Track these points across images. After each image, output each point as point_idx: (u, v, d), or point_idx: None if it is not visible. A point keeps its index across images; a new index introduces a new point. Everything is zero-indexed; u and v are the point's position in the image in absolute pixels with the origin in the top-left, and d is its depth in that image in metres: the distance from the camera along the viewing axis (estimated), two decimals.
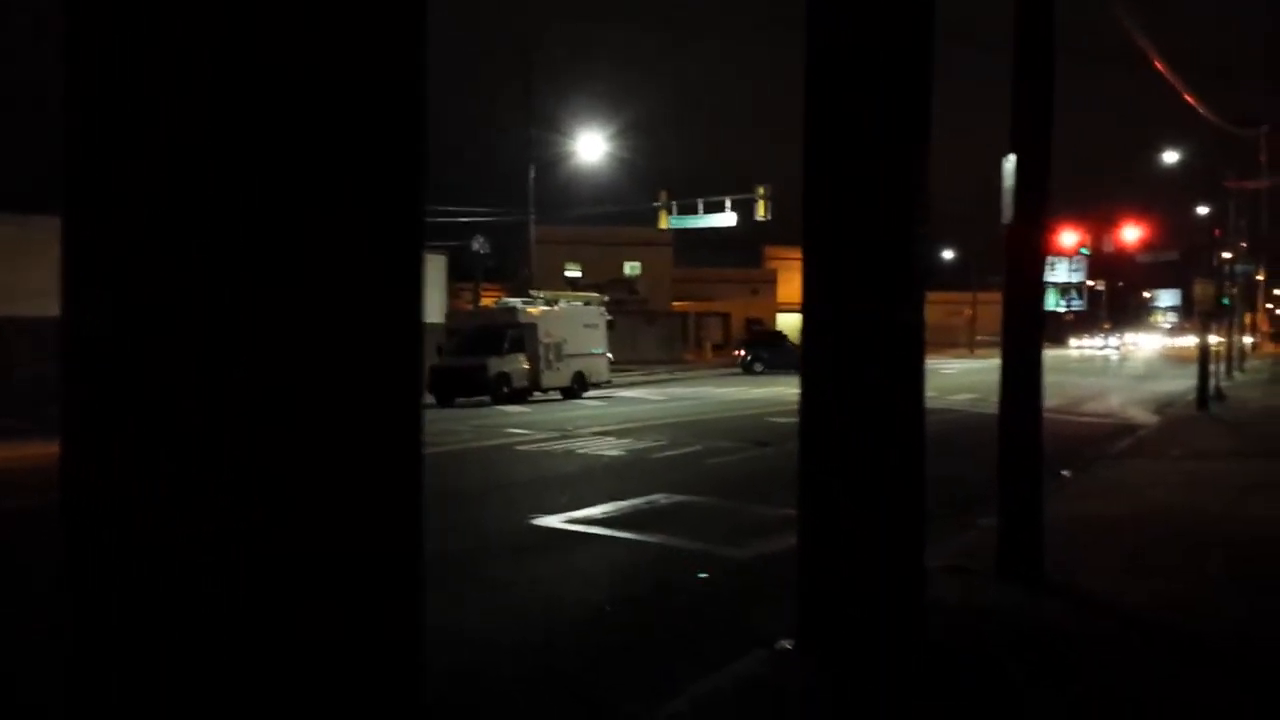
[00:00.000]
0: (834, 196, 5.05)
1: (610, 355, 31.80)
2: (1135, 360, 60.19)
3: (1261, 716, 4.56)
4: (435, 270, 40.44)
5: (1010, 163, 6.76)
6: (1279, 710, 4.61)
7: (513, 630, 6.34)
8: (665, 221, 36.77)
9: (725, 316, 63.95)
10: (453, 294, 42.61)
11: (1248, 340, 49.77)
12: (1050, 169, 6.79)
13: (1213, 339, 24.52)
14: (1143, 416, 21.72)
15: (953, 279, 76.96)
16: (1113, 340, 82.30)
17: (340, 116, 1.59)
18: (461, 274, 41.62)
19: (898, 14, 4.88)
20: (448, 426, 19.92)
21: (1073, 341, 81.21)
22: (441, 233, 38.39)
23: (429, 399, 26.26)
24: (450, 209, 36.81)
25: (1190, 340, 62.75)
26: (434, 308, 36.86)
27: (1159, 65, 12.69)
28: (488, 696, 5.38)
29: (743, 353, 43.37)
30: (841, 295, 5.03)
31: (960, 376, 36.22)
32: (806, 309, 5.21)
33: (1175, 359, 53.61)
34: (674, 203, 36.33)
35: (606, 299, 33.98)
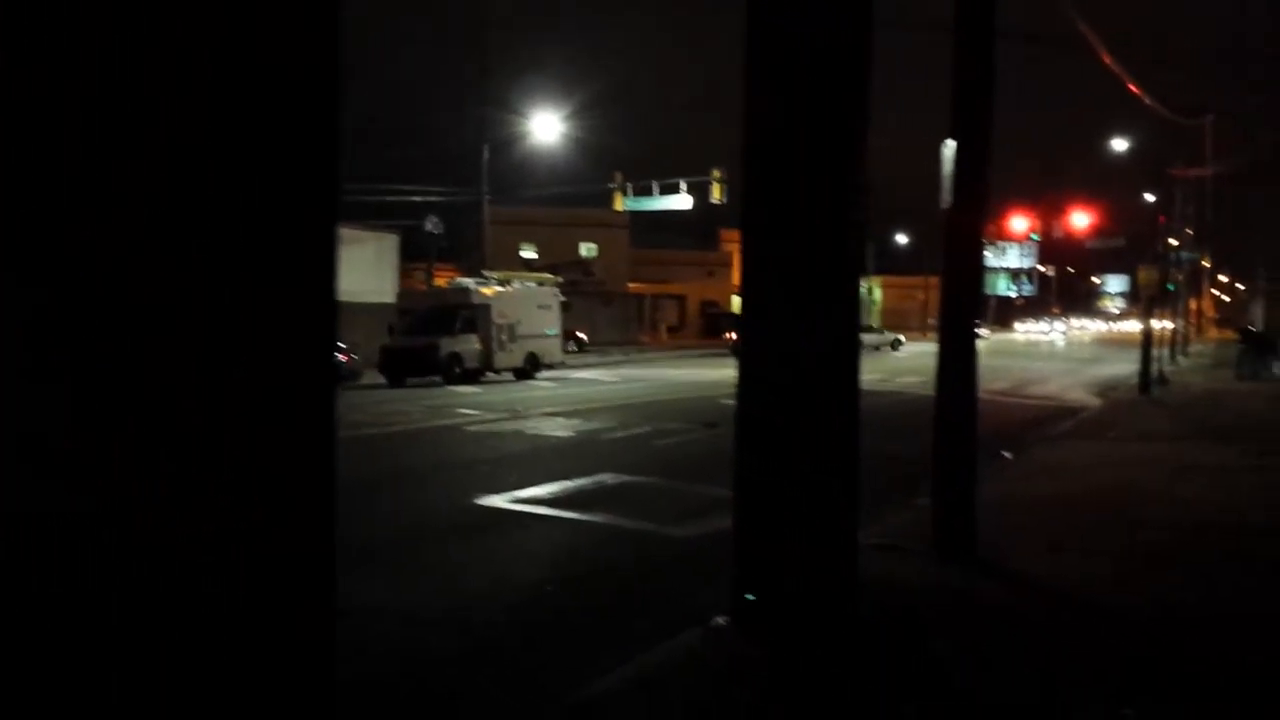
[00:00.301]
0: (771, 182, 5.09)
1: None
2: (1078, 345, 60.36)
3: (1171, 682, 4.70)
4: (387, 250, 40.14)
5: (949, 149, 6.83)
6: (1185, 676, 4.76)
7: (453, 609, 6.34)
8: (620, 204, 36.72)
9: (681, 299, 64.11)
10: (405, 274, 42.33)
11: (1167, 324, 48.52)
12: (990, 155, 6.87)
13: (1156, 324, 25.21)
14: (1085, 399, 22.14)
15: (906, 263, 77.66)
16: (1058, 325, 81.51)
17: (239, 99, 1.57)
18: (414, 254, 41.32)
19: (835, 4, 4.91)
20: (398, 407, 19.82)
21: (1019, 326, 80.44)
22: (394, 212, 38.08)
23: (379, 379, 26.09)
24: (403, 188, 36.49)
25: (1136, 325, 63.31)
26: (386, 288, 36.60)
27: (1105, 58, 12.87)
28: (425, 674, 5.38)
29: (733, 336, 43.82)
30: (778, 277, 5.07)
31: (911, 359, 36.62)
32: (744, 291, 5.25)
33: (1119, 344, 54.20)
34: (629, 184, 36.27)
35: (561, 280, 33.90)
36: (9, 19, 1.43)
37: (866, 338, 43.07)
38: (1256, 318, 40.60)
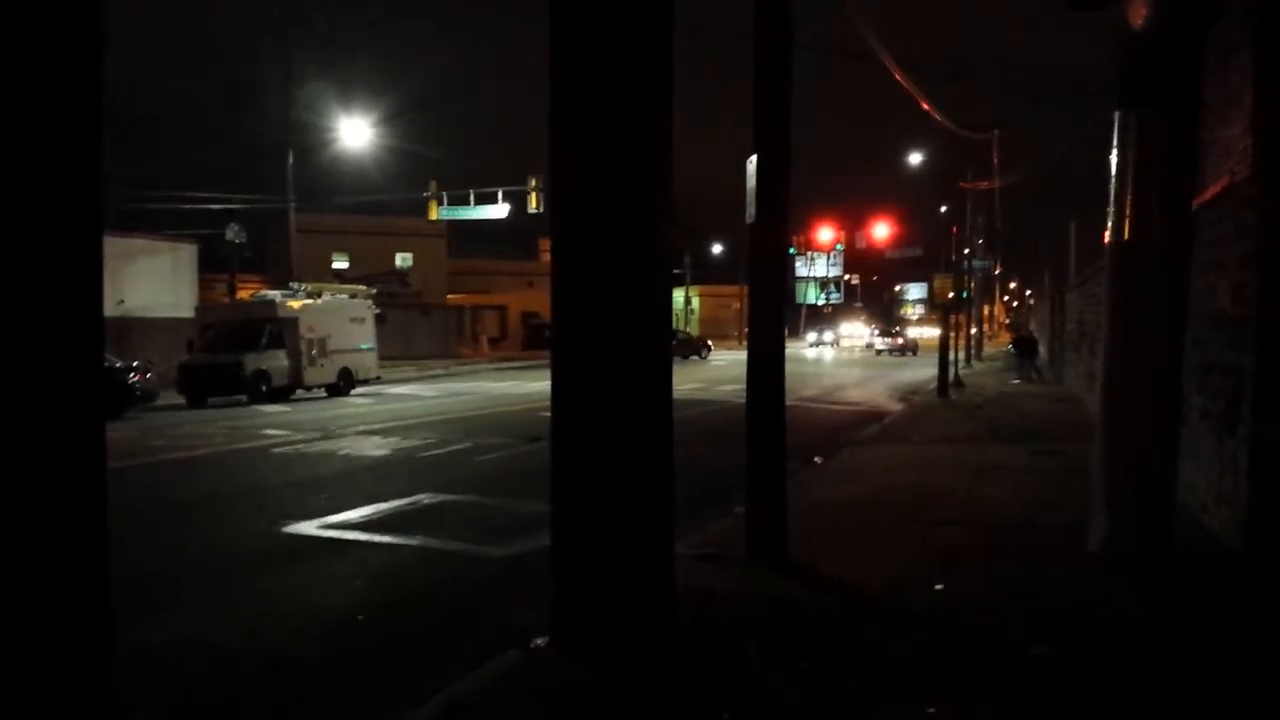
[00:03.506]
0: (577, 188, 5.04)
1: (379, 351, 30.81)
2: (845, 358, 52.37)
3: (956, 670, 4.92)
4: (185, 261, 38.09)
5: (753, 163, 6.98)
6: (971, 665, 5.00)
7: (259, 644, 6.00)
8: (435, 212, 36.08)
9: (502, 309, 63.58)
10: (205, 286, 40.28)
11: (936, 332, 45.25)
12: (790, 169, 7.06)
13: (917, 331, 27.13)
14: (889, 404, 23.23)
15: (722, 273, 79.84)
16: (826, 335, 69.29)
17: None
18: (215, 265, 39.38)
19: (635, 12, 4.91)
20: (199, 429, 18.75)
21: (810, 336, 68.88)
22: (192, 221, 36.15)
23: (178, 399, 24.64)
24: (202, 195, 34.65)
25: (920, 332, 65.33)
26: (184, 301, 34.68)
27: (898, 75, 13.53)
28: (226, 716, 5.05)
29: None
30: (586, 288, 5.02)
31: (728, 368, 37.59)
32: (554, 303, 5.17)
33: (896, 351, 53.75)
34: (444, 193, 35.69)
35: (375, 291, 32.95)
36: None
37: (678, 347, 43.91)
38: (1043, 322, 43.86)
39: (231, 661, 5.74)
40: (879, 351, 55.09)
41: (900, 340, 54.73)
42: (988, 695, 4.65)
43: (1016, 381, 28.48)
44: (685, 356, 46.29)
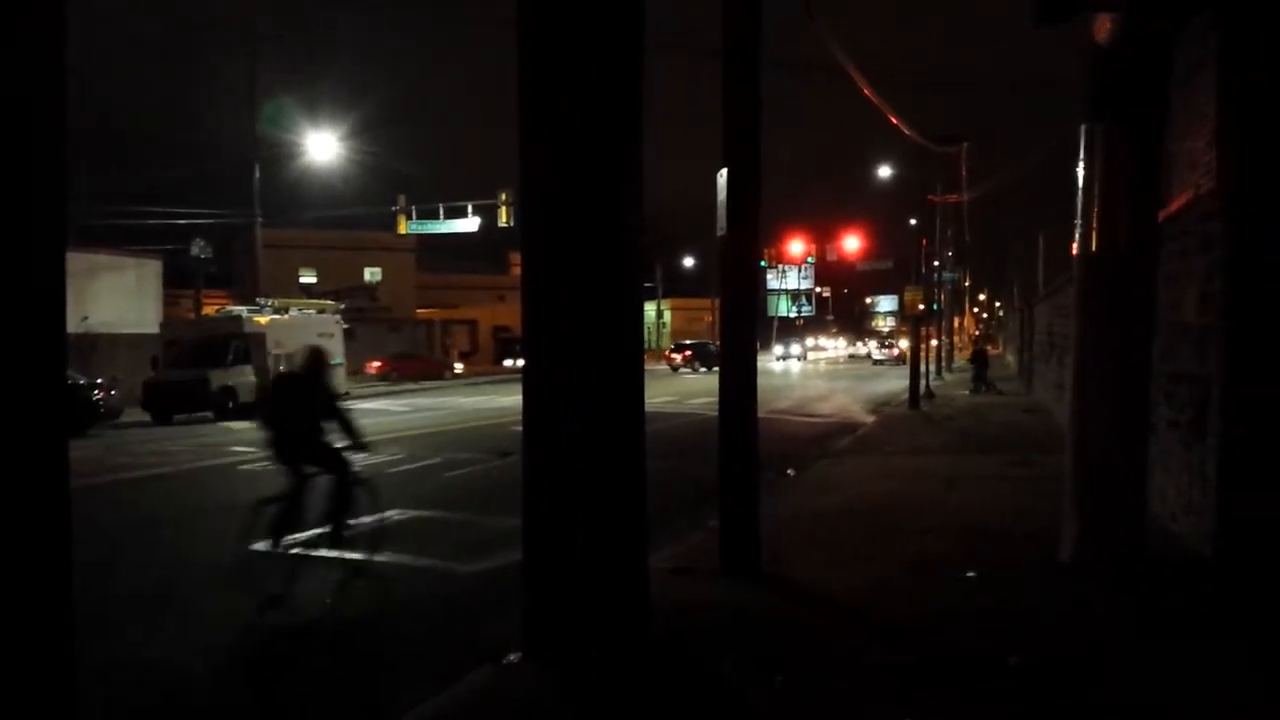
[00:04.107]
0: (547, 204, 5.01)
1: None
2: (813, 370, 53.74)
3: (931, 681, 4.92)
4: (149, 277, 37.65)
5: (723, 177, 6.98)
6: (946, 675, 5.00)
7: (224, 663, 5.90)
8: (404, 227, 35.89)
9: (473, 323, 63.35)
10: (170, 302, 39.85)
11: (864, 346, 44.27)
12: (761, 181, 7.06)
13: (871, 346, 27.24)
14: (862, 416, 23.32)
15: (693, 286, 79.96)
16: (794, 348, 68.00)
17: None
18: (181, 281, 38.95)
19: (605, 24, 4.89)
20: (164, 447, 18.49)
21: (777, 349, 67.06)
22: (157, 236, 35.77)
23: (144, 416, 24.32)
24: (167, 210, 34.29)
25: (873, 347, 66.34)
26: (148, 317, 34.27)
27: (866, 90, 13.62)
28: None
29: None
30: (558, 306, 4.99)
31: (700, 381, 37.64)
32: (525, 320, 5.13)
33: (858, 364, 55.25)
34: (413, 207, 35.53)
35: (343, 306, 32.72)
36: None
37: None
38: (1013, 333, 44.26)
39: (197, 680, 5.63)
40: (876, 362, 60.99)
41: (895, 351, 60.28)
42: (962, 705, 4.63)
43: (966, 393, 28.70)
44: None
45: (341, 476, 7.94)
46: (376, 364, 43.68)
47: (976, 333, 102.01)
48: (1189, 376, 7.28)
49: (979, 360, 31.37)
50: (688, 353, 53.80)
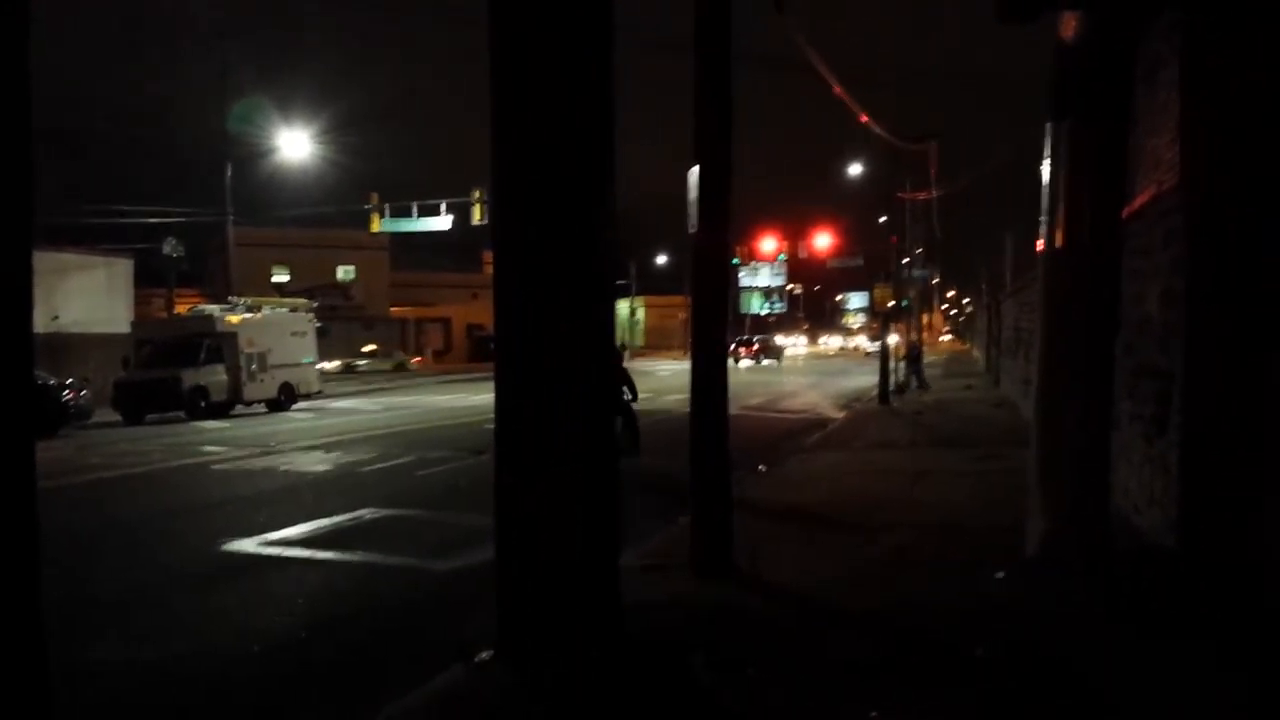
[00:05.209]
0: (519, 200, 5.01)
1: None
2: (786, 366, 54.03)
3: (900, 674, 4.99)
4: (120, 276, 37.28)
5: (694, 174, 7.01)
6: (915, 668, 5.08)
7: (195, 665, 5.87)
8: (376, 225, 35.72)
9: (446, 321, 63.14)
10: (142, 302, 39.48)
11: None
12: (732, 179, 7.10)
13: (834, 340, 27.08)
14: (832, 412, 23.45)
15: (667, 284, 79.95)
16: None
17: None
18: (152, 280, 38.58)
19: (574, 18, 4.90)
20: (136, 446, 18.34)
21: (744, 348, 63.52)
22: (127, 235, 35.38)
23: (114, 416, 24.09)
24: (138, 209, 33.95)
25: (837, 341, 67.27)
26: (119, 317, 33.93)
27: (836, 89, 13.70)
28: None
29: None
30: (528, 300, 4.99)
31: (674, 378, 37.60)
32: (497, 314, 5.14)
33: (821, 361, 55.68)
34: (386, 205, 35.36)
35: (316, 304, 32.51)
36: None
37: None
38: (981, 329, 44.58)
39: (171, 682, 5.61)
40: (868, 354, 60.23)
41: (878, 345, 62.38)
42: (931, 698, 4.70)
43: (914, 392, 27.89)
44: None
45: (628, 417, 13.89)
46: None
47: (947, 328, 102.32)
48: (1152, 371, 7.39)
49: (912, 358, 30.45)
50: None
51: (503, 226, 5.11)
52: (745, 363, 55.35)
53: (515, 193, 5.03)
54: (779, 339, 69.54)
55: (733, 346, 62.82)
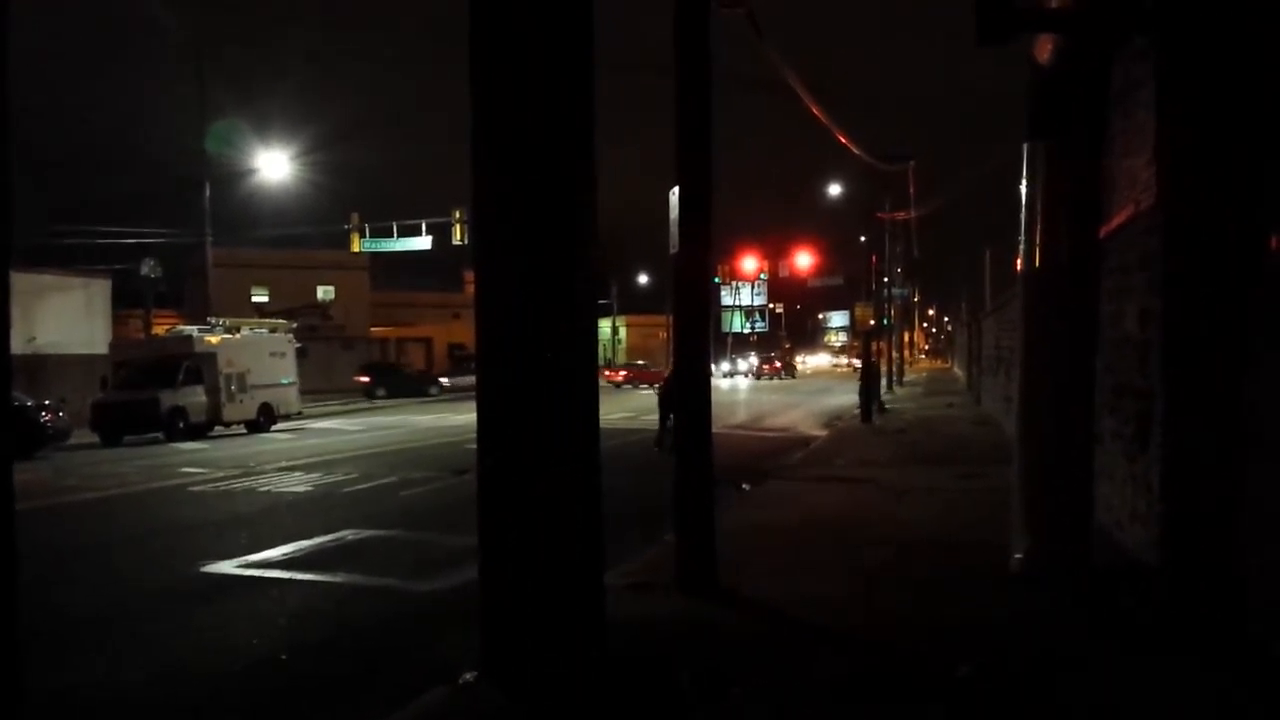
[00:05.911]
0: (499, 219, 5.02)
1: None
2: (764, 384, 54.76)
3: (883, 692, 4.99)
4: (98, 297, 37.04)
5: (675, 195, 7.04)
6: (898, 686, 5.08)
7: (173, 689, 5.80)
8: (357, 245, 35.66)
9: (427, 341, 62.88)
10: (120, 322, 39.21)
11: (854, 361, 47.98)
12: (712, 198, 7.14)
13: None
14: (815, 430, 23.49)
15: (649, 303, 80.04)
16: (740, 364, 69.31)
17: None
18: (130, 300, 38.31)
19: (554, 39, 4.93)
20: (114, 468, 18.16)
21: (724, 365, 66.26)
22: (105, 255, 35.19)
23: (92, 438, 23.87)
24: (116, 229, 33.76)
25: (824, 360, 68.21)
26: (97, 337, 33.67)
27: (815, 110, 13.80)
28: None
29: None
30: (511, 320, 4.99)
31: (652, 398, 37.60)
32: (479, 334, 5.13)
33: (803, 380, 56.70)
34: (367, 225, 35.30)
35: (296, 325, 32.36)
36: None
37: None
38: (961, 347, 44.86)
39: (150, 707, 5.55)
40: (856, 369, 62.67)
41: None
42: (912, 716, 4.70)
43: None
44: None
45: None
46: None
47: (927, 346, 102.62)
48: (1132, 389, 7.45)
49: (867, 377, 25.73)
50: (629, 372, 57.80)
51: (481, 233, 5.10)
52: (764, 379, 60.29)
53: (501, 183, 5.01)
54: (754, 359, 71.05)
55: (758, 364, 67.01)
